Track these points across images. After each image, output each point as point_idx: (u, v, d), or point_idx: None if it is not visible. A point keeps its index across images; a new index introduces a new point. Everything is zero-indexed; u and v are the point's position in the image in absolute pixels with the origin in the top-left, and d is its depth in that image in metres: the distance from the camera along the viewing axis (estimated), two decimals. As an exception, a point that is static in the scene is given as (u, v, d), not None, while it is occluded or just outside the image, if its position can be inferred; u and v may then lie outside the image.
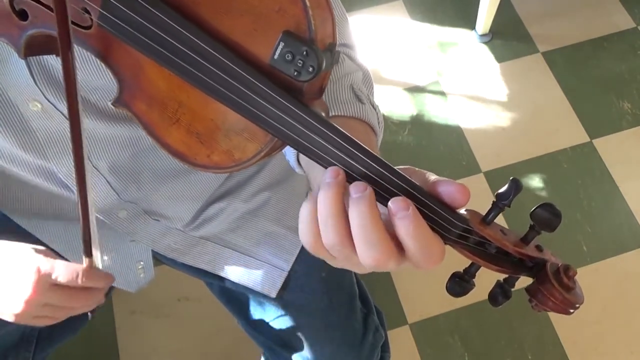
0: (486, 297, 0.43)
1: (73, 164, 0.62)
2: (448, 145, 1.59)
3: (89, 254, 0.52)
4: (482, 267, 0.42)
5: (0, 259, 0.60)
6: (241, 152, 0.41)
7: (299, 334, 0.85)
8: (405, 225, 0.37)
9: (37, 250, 0.59)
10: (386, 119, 1.63)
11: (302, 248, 0.73)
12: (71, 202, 0.74)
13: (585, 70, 1.70)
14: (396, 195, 0.39)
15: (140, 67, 0.42)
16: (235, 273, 0.84)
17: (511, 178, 0.39)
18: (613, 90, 1.67)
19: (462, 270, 0.42)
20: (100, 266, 0.55)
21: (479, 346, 1.35)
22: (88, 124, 0.62)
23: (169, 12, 0.39)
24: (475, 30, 1.76)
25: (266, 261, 0.83)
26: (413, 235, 0.37)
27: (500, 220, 1.46)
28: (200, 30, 0.39)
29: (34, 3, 0.42)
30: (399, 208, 0.37)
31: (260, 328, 0.88)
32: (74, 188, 0.70)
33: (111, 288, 0.84)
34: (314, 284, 0.85)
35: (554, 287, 0.40)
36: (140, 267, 0.82)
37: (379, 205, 0.39)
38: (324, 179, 0.39)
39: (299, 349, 0.85)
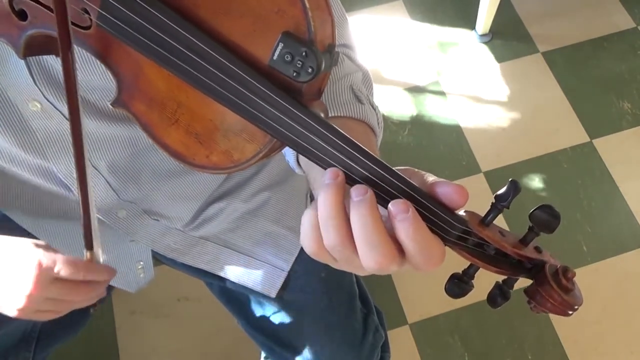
0: (486, 297, 0.43)
1: (72, 163, 0.62)
2: (448, 145, 1.59)
3: (90, 246, 0.51)
4: (481, 269, 0.42)
5: (1, 254, 0.60)
6: (240, 153, 0.41)
7: (299, 334, 0.85)
8: (405, 228, 0.37)
9: (37, 245, 0.59)
10: (386, 119, 1.63)
11: (302, 248, 0.73)
12: (71, 201, 0.74)
13: (585, 70, 1.70)
14: (396, 197, 0.39)
15: (139, 68, 0.42)
16: (235, 273, 0.84)
17: (510, 180, 0.39)
18: (613, 90, 1.67)
19: (461, 272, 0.42)
20: (101, 260, 0.55)
21: (479, 346, 1.35)
22: (87, 124, 0.62)
23: (168, 12, 0.39)
24: (475, 30, 1.75)
25: (266, 261, 0.83)
26: (413, 238, 0.37)
27: (500, 220, 1.46)
28: (199, 31, 0.39)
29: (34, 3, 0.42)
30: (399, 210, 0.37)
31: (260, 328, 0.88)
32: (74, 188, 0.70)
33: (111, 287, 0.84)
34: (313, 284, 0.85)
35: (553, 288, 0.40)
36: (140, 267, 0.82)
37: (379, 207, 0.39)
38: (323, 181, 0.39)
39: (299, 349, 0.85)
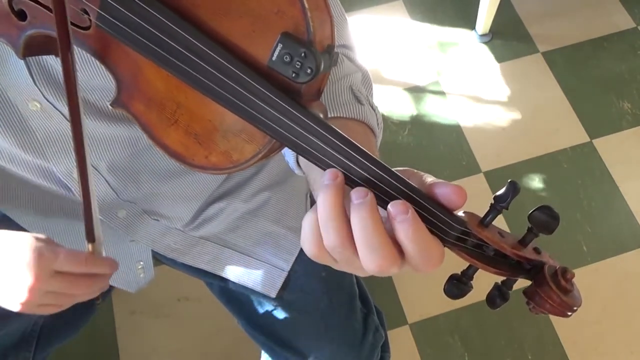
0: (485, 298, 0.43)
1: (71, 163, 0.62)
2: (448, 145, 1.59)
3: (91, 239, 0.51)
4: (480, 269, 0.42)
5: (2, 248, 0.60)
6: (239, 154, 0.41)
7: (299, 333, 0.85)
8: (404, 229, 0.37)
9: (38, 239, 0.59)
10: (386, 119, 1.63)
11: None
12: (71, 201, 0.74)
13: (585, 70, 1.70)
14: (395, 198, 0.39)
15: (138, 68, 0.42)
16: (235, 273, 0.84)
17: (509, 181, 0.39)
18: (613, 90, 1.67)
19: (460, 273, 0.42)
20: (103, 252, 0.54)
21: (479, 346, 1.35)
22: (87, 124, 0.62)
23: (167, 13, 0.39)
24: (475, 30, 1.75)
25: (266, 261, 0.83)
26: (412, 239, 0.37)
27: (500, 220, 1.46)
28: (198, 31, 0.39)
29: (33, 3, 0.42)
30: (398, 212, 0.37)
31: (260, 328, 0.88)
32: (73, 188, 0.70)
33: (111, 287, 0.84)
34: (313, 284, 0.85)
35: (552, 289, 0.40)
36: (140, 267, 0.82)
37: (379, 208, 0.39)
38: (322, 181, 0.39)
39: (299, 348, 0.85)
